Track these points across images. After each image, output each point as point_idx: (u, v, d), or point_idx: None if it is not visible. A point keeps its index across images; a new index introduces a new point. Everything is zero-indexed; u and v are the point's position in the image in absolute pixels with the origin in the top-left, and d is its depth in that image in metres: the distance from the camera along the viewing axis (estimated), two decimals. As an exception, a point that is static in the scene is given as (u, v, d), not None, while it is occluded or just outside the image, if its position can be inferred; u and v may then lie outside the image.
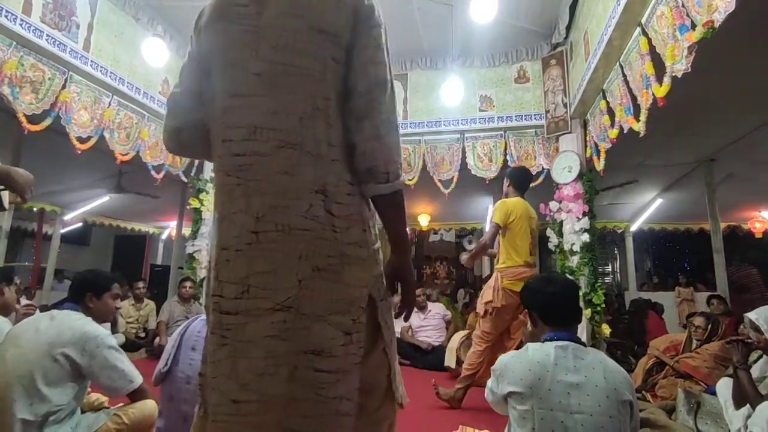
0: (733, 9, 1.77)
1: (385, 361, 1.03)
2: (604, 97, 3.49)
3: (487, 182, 4.78)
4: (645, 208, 7.77)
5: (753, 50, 3.09)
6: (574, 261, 4.02)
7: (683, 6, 2.15)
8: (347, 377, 0.92)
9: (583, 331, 3.72)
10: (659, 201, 7.32)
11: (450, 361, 4.39)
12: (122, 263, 10.83)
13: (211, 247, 1.00)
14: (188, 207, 5.31)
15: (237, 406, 0.88)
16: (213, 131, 1.01)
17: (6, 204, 1.57)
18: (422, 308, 5.39)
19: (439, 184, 4.81)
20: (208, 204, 4.81)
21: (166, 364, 1.84)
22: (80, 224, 9.24)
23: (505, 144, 4.67)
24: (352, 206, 0.97)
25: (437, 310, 5.45)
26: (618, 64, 3.11)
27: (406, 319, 1.11)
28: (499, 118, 4.71)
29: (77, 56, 3.43)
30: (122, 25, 3.90)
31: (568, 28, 4.18)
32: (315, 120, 0.94)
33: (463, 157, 4.75)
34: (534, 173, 4.17)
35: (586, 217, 4.01)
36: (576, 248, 4.01)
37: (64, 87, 3.38)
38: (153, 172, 4.47)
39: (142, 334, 5.41)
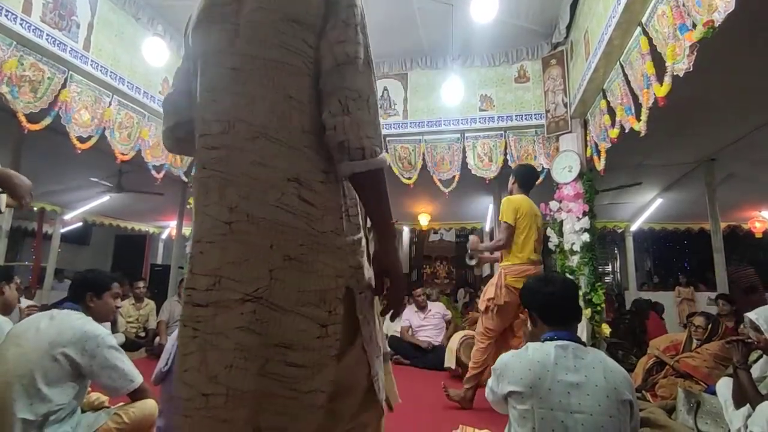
0: (732, 9, 1.77)
1: (363, 359, 0.98)
2: (605, 97, 3.49)
3: (487, 182, 4.78)
4: (645, 208, 7.77)
5: (753, 50, 3.09)
6: (574, 261, 4.02)
7: (683, 6, 2.15)
8: (323, 371, 0.90)
9: (583, 330, 3.72)
10: (659, 201, 7.32)
11: (450, 361, 4.39)
12: (122, 263, 10.83)
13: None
14: (188, 207, 5.31)
15: (206, 399, 0.85)
16: (195, 127, 1.03)
17: (3, 207, 1.57)
18: (422, 308, 5.39)
19: (438, 183, 4.81)
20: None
21: (166, 364, 1.84)
22: (80, 224, 9.24)
23: (506, 144, 4.67)
24: (326, 194, 0.95)
25: (437, 309, 5.45)
26: (618, 63, 3.11)
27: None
28: (499, 117, 4.71)
29: (77, 56, 3.43)
30: (122, 25, 3.90)
31: (569, 27, 4.17)
32: (288, 109, 0.94)
33: (464, 157, 4.75)
34: (534, 173, 4.16)
35: (587, 217, 4.01)
36: (576, 248, 4.01)
37: (64, 86, 3.38)
38: (153, 172, 4.47)
39: (143, 334, 5.42)
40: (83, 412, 1.95)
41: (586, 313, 3.76)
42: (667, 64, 2.32)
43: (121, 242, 12.03)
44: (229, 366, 0.85)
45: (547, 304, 1.60)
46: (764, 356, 2.31)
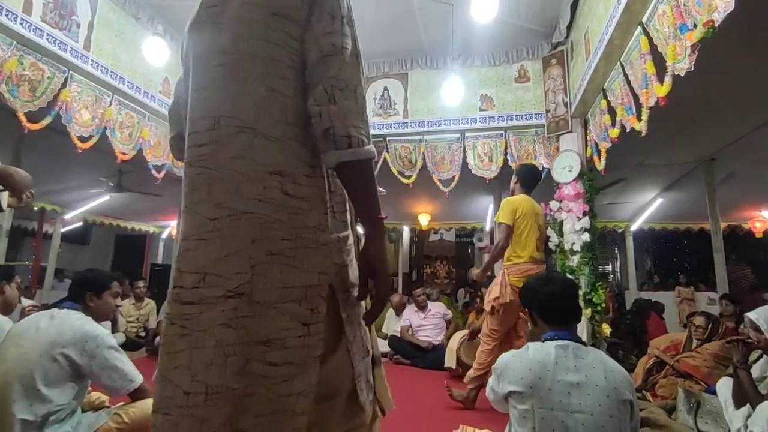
0: (732, 9, 1.77)
1: (348, 361, 0.95)
2: (605, 97, 3.49)
3: (487, 182, 4.78)
4: (645, 208, 7.77)
5: (753, 50, 3.09)
6: (574, 260, 4.02)
7: (684, 5, 2.15)
8: (305, 372, 0.87)
9: (583, 330, 3.72)
10: (660, 200, 7.32)
11: (450, 361, 4.39)
12: (122, 262, 10.83)
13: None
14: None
15: (187, 398, 0.83)
16: (186, 127, 1.03)
17: (4, 205, 1.56)
18: (422, 307, 5.39)
19: (438, 183, 4.81)
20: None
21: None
22: (80, 223, 9.24)
23: (506, 143, 4.67)
24: (312, 188, 0.93)
25: (437, 309, 5.45)
26: (619, 63, 3.11)
27: (369, 324, 1.01)
28: (499, 117, 4.71)
29: (78, 55, 3.43)
30: (123, 25, 3.90)
31: (569, 27, 4.17)
32: (270, 101, 0.93)
33: (464, 157, 4.75)
34: (535, 173, 4.16)
35: (587, 217, 4.01)
36: (576, 248, 4.01)
37: (64, 86, 3.38)
38: (154, 171, 4.47)
39: (143, 333, 5.42)
40: (84, 411, 1.95)
41: (587, 312, 3.76)
42: (667, 64, 2.32)
43: (122, 242, 12.03)
44: (209, 364, 0.83)
45: (548, 304, 1.60)
46: (764, 356, 2.31)
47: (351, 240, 1.00)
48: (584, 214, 4.03)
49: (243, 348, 0.85)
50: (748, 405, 1.99)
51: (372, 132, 3.96)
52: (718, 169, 5.52)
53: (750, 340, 2.13)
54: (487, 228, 8.45)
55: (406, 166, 4.91)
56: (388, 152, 4.91)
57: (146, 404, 1.92)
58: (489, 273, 3.47)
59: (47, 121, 3.31)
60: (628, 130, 3.07)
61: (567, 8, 4.00)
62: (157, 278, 8.46)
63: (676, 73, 2.25)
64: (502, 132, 4.71)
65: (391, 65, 4.97)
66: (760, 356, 2.34)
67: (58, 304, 1.99)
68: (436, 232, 11.56)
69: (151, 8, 4.16)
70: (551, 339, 1.50)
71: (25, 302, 3.57)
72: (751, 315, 2.17)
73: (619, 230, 9.01)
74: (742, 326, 2.69)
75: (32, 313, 2.65)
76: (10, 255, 7.93)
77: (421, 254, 11.88)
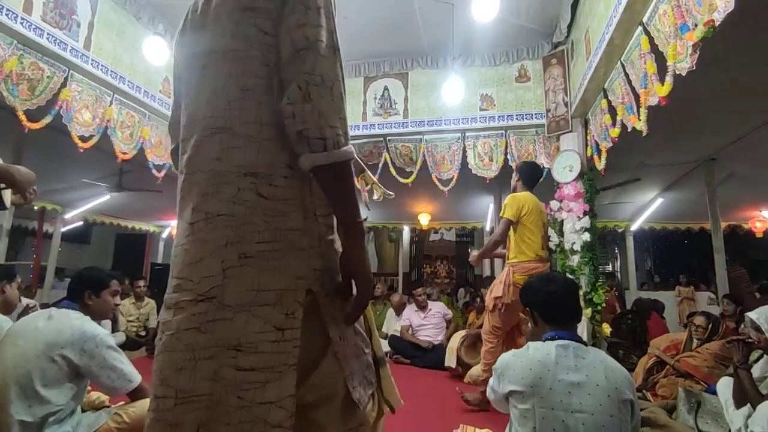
0: (732, 8, 1.77)
1: (337, 365, 0.92)
2: (606, 96, 3.49)
3: (487, 181, 4.78)
4: (645, 208, 7.77)
5: (754, 50, 3.09)
6: (574, 260, 4.02)
7: (684, 5, 2.15)
8: (279, 379, 0.83)
9: (583, 330, 3.72)
10: (660, 200, 7.32)
11: (450, 361, 4.39)
12: (123, 262, 10.84)
13: None
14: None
15: (157, 402, 0.84)
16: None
17: (8, 203, 1.56)
18: (423, 307, 5.39)
19: (438, 182, 4.81)
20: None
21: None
22: (81, 223, 9.24)
23: (506, 143, 4.67)
24: (290, 189, 0.90)
25: (438, 308, 5.45)
26: (620, 63, 3.10)
27: (348, 324, 0.96)
28: (499, 117, 4.71)
29: (78, 55, 3.43)
30: (123, 24, 3.90)
31: (570, 27, 4.17)
32: (244, 101, 0.90)
33: (464, 156, 4.75)
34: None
35: (587, 217, 4.01)
36: (577, 247, 4.01)
37: (64, 85, 3.38)
38: (154, 171, 4.47)
39: (143, 333, 5.43)
40: (83, 411, 1.95)
41: (587, 312, 3.76)
42: (668, 64, 2.32)
43: (122, 241, 12.03)
44: (179, 368, 0.83)
45: (548, 304, 1.60)
46: (765, 356, 2.31)
47: (338, 244, 0.97)
48: (584, 213, 4.02)
49: (213, 352, 0.83)
50: (748, 405, 1.99)
51: (372, 132, 3.98)
52: (719, 168, 5.52)
53: (750, 340, 2.13)
54: (487, 228, 8.44)
55: (406, 162, 4.91)
56: (388, 152, 4.91)
57: (146, 404, 1.89)
58: (490, 273, 3.46)
59: (47, 120, 3.31)
60: (629, 130, 3.06)
61: (567, 8, 4.00)
62: (157, 277, 8.47)
63: (677, 72, 2.25)
64: (503, 132, 4.71)
65: (392, 65, 4.97)
66: (761, 356, 2.34)
67: (57, 304, 1.97)
68: (436, 232, 11.56)
69: (152, 8, 4.15)
70: (552, 338, 1.51)
71: (28, 302, 3.57)
72: (752, 315, 2.18)
73: (620, 230, 9.01)
74: (742, 326, 2.69)
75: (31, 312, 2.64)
76: (11, 254, 7.94)
77: (422, 254, 11.88)
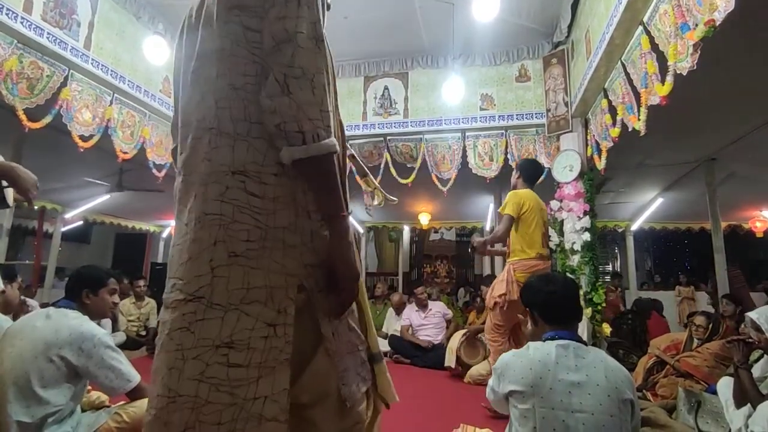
0: (732, 8, 1.77)
1: (329, 362, 0.92)
2: (606, 96, 3.49)
3: (487, 181, 4.77)
4: (646, 208, 7.76)
5: (754, 50, 3.08)
6: (575, 260, 4.02)
7: (685, 5, 2.15)
8: (272, 374, 0.83)
9: (583, 330, 3.72)
10: (660, 200, 7.31)
11: (450, 360, 4.39)
12: (123, 261, 10.83)
13: None
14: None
15: (153, 401, 0.85)
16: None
17: (10, 201, 1.57)
18: (423, 306, 5.39)
19: (437, 182, 4.81)
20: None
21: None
22: (81, 222, 9.24)
23: (506, 143, 4.66)
24: (280, 187, 0.89)
25: (438, 308, 5.45)
26: (620, 62, 3.10)
27: (335, 318, 0.94)
28: (500, 116, 4.71)
29: (78, 54, 3.43)
30: (123, 24, 3.90)
31: (570, 26, 4.17)
32: (231, 100, 0.90)
33: (464, 156, 4.75)
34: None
35: (587, 216, 4.01)
36: (577, 247, 4.01)
37: (64, 85, 3.38)
38: (155, 170, 4.47)
39: (143, 333, 5.42)
40: (83, 411, 1.94)
41: (587, 312, 3.76)
42: (669, 63, 2.31)
43: (122, 241, 12.04)
44: (171, 368, 0.84)
45: (548, 303, 1.60)
46: (765, 356, 2.31)
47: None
48: (585, 213, 4.02)
49: (199, 352, 0.83)
50: (748, 405, 1.99)
51: (372, 131, 3.97)
52: (719, 168, 5.51)
53: (751, 340, 2.13)
54: (488, 227, 8.44)
55: (407, 159, 4.91)
56: (389, 152, 4.91)
57: (145, 403, 1.91)
58: (490, 272, 3.45)
59: (47, 119, 3.31)
60: (630, 129, 3.06)
61: (568, 7, 3.99)
62: (157, 277, 8.46)
63: (678, 72, 2.25)
64: (503, 131, 4.71)
65: (392, 64, 4.97)
66: (761, 356, 2.35)
67: (55, 303, 1.96)
68: (436, 232, 11.57)
69: (152, 7, 4.15)
70: (552, 338, 1.50)
71: (30, 302, 3.58)
72: (752, 314, 2.17)
73: (620, 230, 9.01)
74: (743, 326, 2.68)
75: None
76: (11, 254, 7.93)
77: (422, 253, 11.91)
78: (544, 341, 1.52)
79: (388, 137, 4.92)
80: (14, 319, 2.14)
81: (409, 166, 4.90)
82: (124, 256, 11.49)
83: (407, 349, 5.12)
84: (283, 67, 0.85)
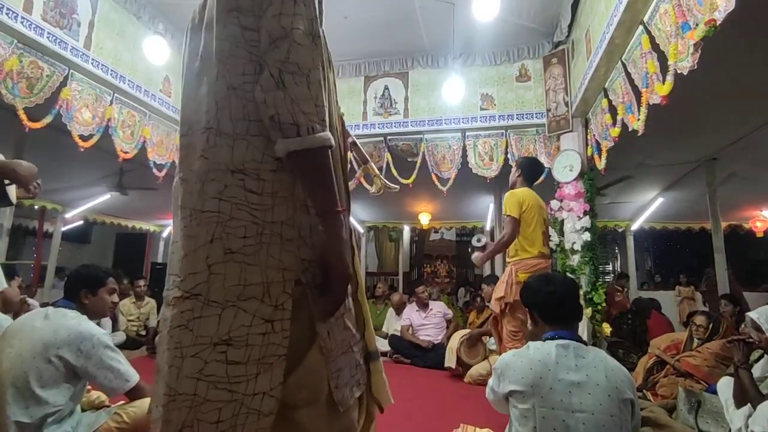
0: (732, 8, 1.77)
1: (322, 361, 0.90)
2: (606, 96, 3.49)
3: (487, 181, 4.77)
4: (646, 207, 7.76)
5: (754, 50, 3.08)
6: (575, 260, 4.02)
7: (685, 4, 2.15)
8: (269, 370, 0.84)
9: (583, 330, 3.72)
10: (660, 200, 7.31)
11: (450, 361, 4.39)
12: (123, 261, 10.83)
13: None
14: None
15: (159, 398, 0.86)
16: None
17: (13, 198, 1.57)
18: (424, 305, 5.40)
19: (437, 181, 4.81)
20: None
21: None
22: (81, 222, 9.24)
23: (507, 143, 4.66)
24: (278, 183, 0.89)
25: (438, 308, 5.45)
26: (620, 62, 3.10)
27: (324, 319, 0.91)
28: (500, 116, 4.71)
29: (78, 54, 3.43)
30: (123, 23, 3.90)
31: (570, 26, 4.17)
32: (231, 99, 0.91)
33: (464, 156, 4.75)
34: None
35: (587, 216, 4.01)
36: (577, 247, 4.01)
37: (64, 84, 3.38)
38: (155, 170, 4.47)
39: (143, 332, 5.43)
40: (83, 411, 1.94)
41: (587, 312, 3.76)
42: (669, 63, 2.31)
43: (122, 240, 12.03)
44: (170, 366, 0.84)
45: (548, 303, 1.60)
46: (765, 356, 2.31)
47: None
48: (585, 213, 4.02)
49: (198, 350, 0.83)
50: (749, 404, 1.99)
51: (372, 131, 3.97)
52: (720, 168, 5.51)
53: (751, 340, 2.13)
54: (488, 227, 8.44)
55: (407, 154, 4.91)
56: (389, 151, 4.91)
57: (145, 403, 1.91)
58: (490, 272, 3.42)
59: (48, 119, 3.31)
60: (630, 129, 3.06)
61: (568, 7, 3.99)
62: (157, 277, 8.45)
63: (678, 71, 2.25)
64: (503, 131, 4.70)
65: (392, 64, 4.96)
66: (761, 356, 2.34)
67: (55, 303, 1.95)
68: (436, 232, 11.55)
69: (152, 7, 4.15)
70: (552, 338, 1.50)
71: (33, 302, 3.58)
72: (752, 314, 2.17)
73: (620, 230, 9.00)
74: (743, 326, 2.68)
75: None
76: (11, 254, 7.92)
77: (422, 253, 11.89)
78: (544, 341, 1.52)
79: (389, 137, 4.92)
80: (15, 317, 2.14)
81: (409, 160, 4.88)
82: (125, 255, 11.49)
83: (407, 349, 5.12)
84: (278, 62, 0.86)
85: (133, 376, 1.86)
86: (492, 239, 7.84)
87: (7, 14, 2.90)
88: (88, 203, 7.78)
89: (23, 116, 3.12)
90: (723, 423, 2.29)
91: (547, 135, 4.53)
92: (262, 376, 0.84)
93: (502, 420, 1.71)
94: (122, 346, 4.48)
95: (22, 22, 2.99)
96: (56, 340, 1.72)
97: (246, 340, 0.83)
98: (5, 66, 2.95)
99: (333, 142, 0.90)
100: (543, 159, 4.51)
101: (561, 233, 4.24)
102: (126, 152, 4.02)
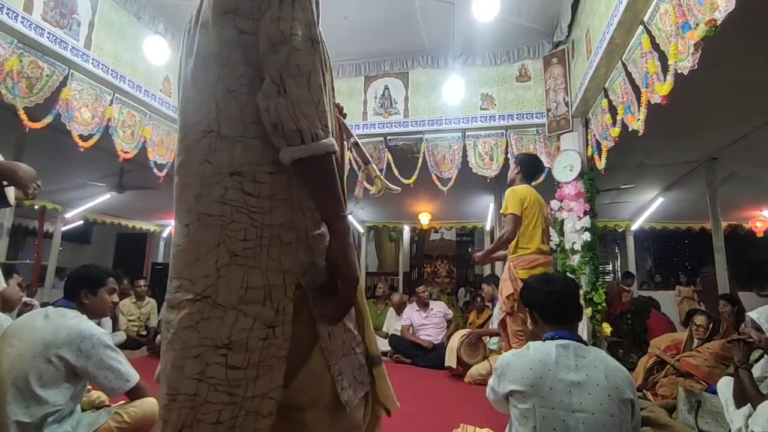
0: (733, 8, 1.77)
1: (324, 364, 0.91)
2: (606, 96, 3.49)
3: (488, 181, 4.77)
4: (646, 207, 7.76)
5: (754, 50, 3.08)
6: (575, 260, 4.02)
7: (686, 4, 2.15)
8: (269, 373, 0.85)
9: (583, 330, 3.72)
10: (660, 200, 7.31)
11: (450, 360, 4.40)
12: (123, 261, 10.84)
13: None
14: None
15: (161, 397, 0.87)
16: None
17: (11, 199, 1.57)
18: (425, 305, 5.40)
19: (437, 181, 4.81)
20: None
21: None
22: (81, 222, 9.24)
23: (507, 142, 4.66)
24: (275, 185, 0.89)
25: (438, 308, 5.46)
26: (621, 62, 3.10)
27: (332, 324, 0.92)
28: (500, 116, 4.71)
29: (78, 54, 3.43)
30: (123, 23, 3.90)
31: (570, 26, 4.17)
32: (229, 102, 0.91)
33: (464, 156, 4.75)
34: (535, 171, 4.14)
35: (587, 216, 4.01)
36: (577, 247, 4.00)
37: (64, 84, 3.38)
38: (156, 170, 4.47)
39: (144, 332, 5.43)
40: (84, 410, 1.94)
41: (587, 312, 3.76)
42: (669, 63, 2.31)
43: (123, 240, 12.04)
44: (174, 366, 0.85)
45: (548, 303, 1.60)
46: (765, 356, 2.31)
47: (328, 238, 0.96)
48: (585, 213, 4.02)
49: (200, 351, 0.84)
50: (749, 404, 1.99)
51: (373, 131, 3.96)
52: (720, 168, 5.51)
53: (751, 340, 2.13)
54: (488, 227, 8.44)
55: (407, 152, 4.91)
56: (390, 151, 4.91)
57: (146, 403, 1.92)
58: (490, 272, 3.41)
59: (48, 119, 3.31)
60: (630, 129, 3.06)
61: (568, 7, 3.99)
62: (157, 277, 8.45)
63: (678, 71, 2.25)
64: (503, 131, 4.70)
65: (392, 64, 4.97)
66: (761, 356, 2.34)
67: (55, 303, 1.95)
68: (436, 232, 11.55)
69: (153, 7, 4.16)
70: (552, 338, 1.51)
71: (33, 302, 3.57)
72: (753, 314, 2.17)
73: (620, 230, 9.00)
74: (743, 326, 2.68)
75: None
76: (12, 254, 7.94)
77: (422, 253, 11.89)
78: (544, 341, 1.52)
79: (389, 137, 4.92)
80: (16, 316, 2.14)
81: (410, 156, 4.88)
82: (125, 255, 11.49)
83: (408, 349, 5.12)
84: (278, 66, 0.86)
85: (134, 376, 1.87)
86: (492, 239, 7.84)
87: (7, 14, 2.90)
88: (88, 203, 7.78)
89: (23, 116, 3.12)
90: (723, 423, 2.29)
91: (547, 135, 4.53)
92: (262, 380, 0.85)
93: (502, 420, 1.71)
94: (123, 346, 4.47)
95: (22, 22, 2.99)
96: (56, 339, 1.72)
97: (246, 344, 0.84)
98: (5, 66, 2.96)
99: (337, 147, 0.90)
100: (543, 159, 4.51)
101: (561, 233, 4.24)
102: (126, 152, 4.02)
